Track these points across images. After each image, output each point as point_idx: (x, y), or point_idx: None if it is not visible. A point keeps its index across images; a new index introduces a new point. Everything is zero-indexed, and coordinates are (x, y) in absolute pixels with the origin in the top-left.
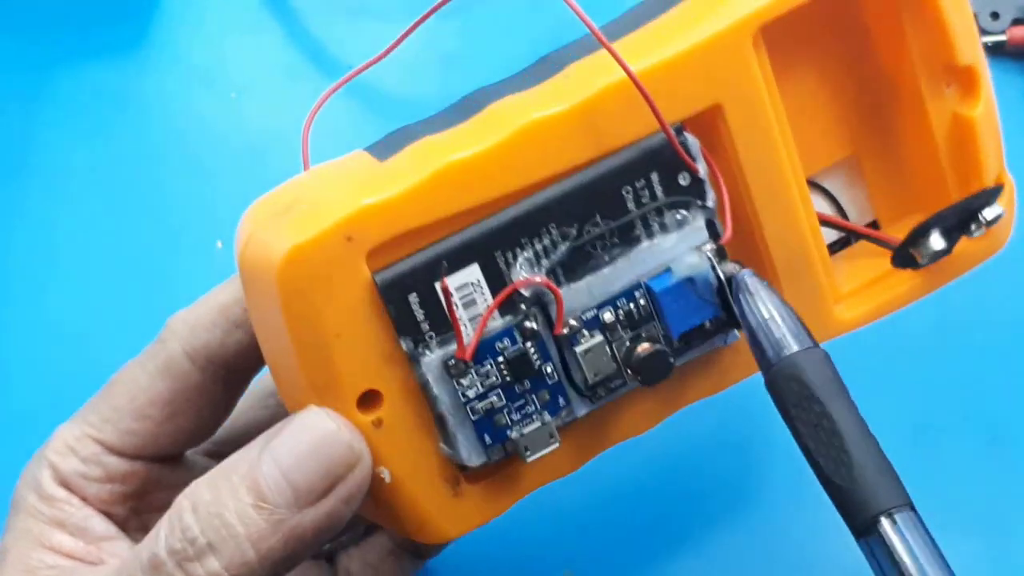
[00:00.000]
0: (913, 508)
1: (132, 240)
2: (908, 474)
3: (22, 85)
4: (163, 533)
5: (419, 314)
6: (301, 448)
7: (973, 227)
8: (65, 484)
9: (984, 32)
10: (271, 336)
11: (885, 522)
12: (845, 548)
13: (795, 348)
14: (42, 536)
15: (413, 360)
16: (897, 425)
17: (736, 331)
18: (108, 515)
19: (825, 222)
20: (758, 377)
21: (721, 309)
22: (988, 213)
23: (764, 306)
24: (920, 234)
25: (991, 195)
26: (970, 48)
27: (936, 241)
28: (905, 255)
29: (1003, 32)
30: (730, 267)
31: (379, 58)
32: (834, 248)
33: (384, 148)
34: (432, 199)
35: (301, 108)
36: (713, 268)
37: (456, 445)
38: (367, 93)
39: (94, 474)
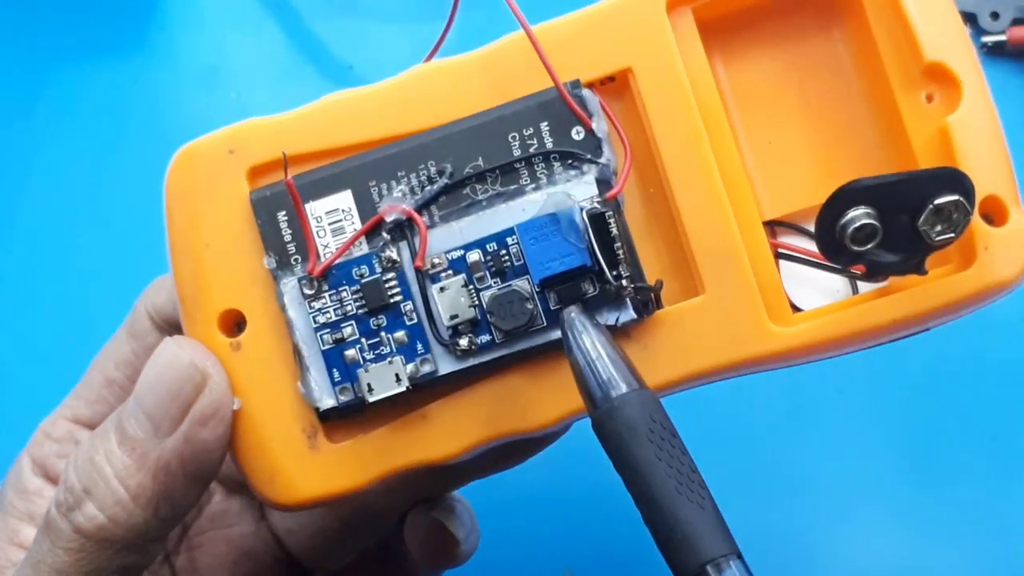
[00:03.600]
0: (740, 556)
1: (131, 239)
2: (908, 474)
3: (22, 84)
4: (54, 492)
5: (286, 234)
6: (150, 376)
7: (930, 220)
8: (43, 471)
9: (984, 32)
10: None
11: (711, 572)
12: (845, 539)
13: (622, 390)
14: (13, 533)
15: (275, 280)
16: (898, 425)
17: (632, 312)
18: None
19: (783, 252)
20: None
21: (591, 258)
22: (941, 200)
23: (591, 344)
24: (841, 203)
25: (953, 182)
26: (945, 41)
27: (861, 215)
28: (828, 237)
29: (1003, 32)
30: (600, 207)
31: None
32: None
33: None
34: (318, 127)
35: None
36: (579, 206)
37: (308, 382)
38: None
39: (68, 451)
